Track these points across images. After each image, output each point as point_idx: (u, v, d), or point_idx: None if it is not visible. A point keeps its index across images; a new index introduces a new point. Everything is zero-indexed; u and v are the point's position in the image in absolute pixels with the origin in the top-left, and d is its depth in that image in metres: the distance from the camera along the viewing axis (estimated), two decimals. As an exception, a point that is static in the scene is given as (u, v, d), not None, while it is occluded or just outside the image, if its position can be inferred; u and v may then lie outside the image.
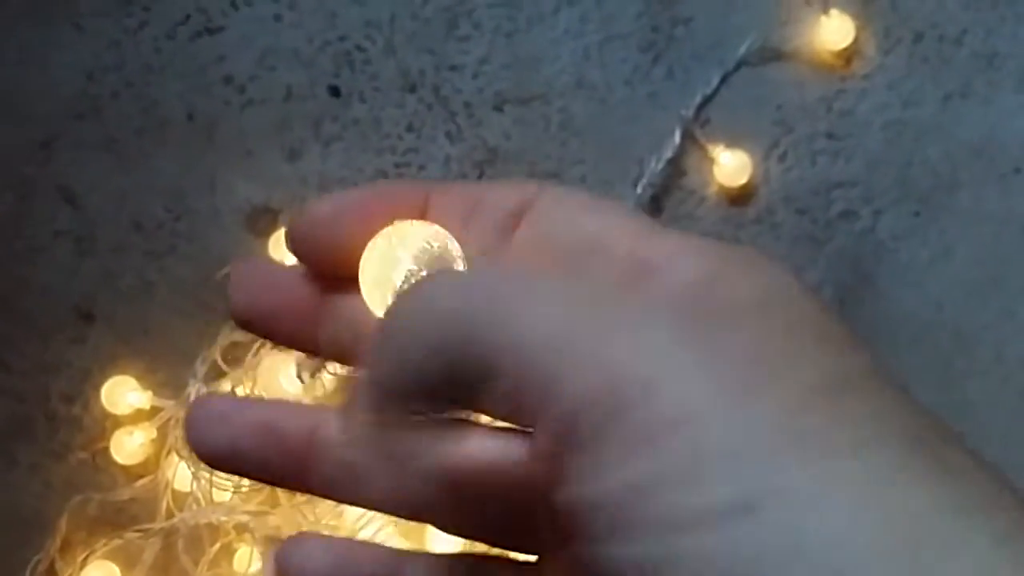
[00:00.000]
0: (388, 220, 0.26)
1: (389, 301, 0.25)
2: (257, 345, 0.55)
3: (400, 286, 0.25)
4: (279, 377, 0.51)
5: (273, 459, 0.26)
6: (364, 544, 0.27)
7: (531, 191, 0.26)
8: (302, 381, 0.49)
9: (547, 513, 0.21)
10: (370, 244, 0.25)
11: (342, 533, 0.53)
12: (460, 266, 0.25)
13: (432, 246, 0.25)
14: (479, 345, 0.21)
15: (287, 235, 0.27)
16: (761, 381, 0.19)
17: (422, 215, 0.26)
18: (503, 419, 0.22)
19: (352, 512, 0.53)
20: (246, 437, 0.26)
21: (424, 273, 0.25)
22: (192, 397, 0.55)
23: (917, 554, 0.17)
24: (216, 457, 0.26)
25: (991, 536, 0.18)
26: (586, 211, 0.25)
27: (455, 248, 0.25)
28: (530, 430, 0.21)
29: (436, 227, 0.25)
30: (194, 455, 0.27)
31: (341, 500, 0.27)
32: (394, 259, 0.25)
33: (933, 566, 0.17)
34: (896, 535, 0.18)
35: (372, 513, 0.53)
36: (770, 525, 0.18)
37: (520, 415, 0.21)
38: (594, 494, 0.19)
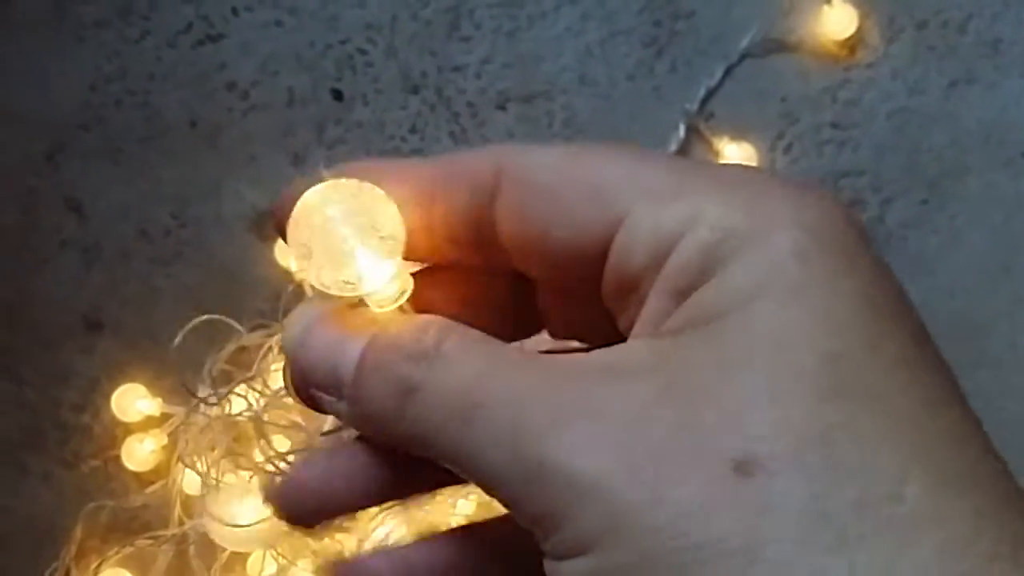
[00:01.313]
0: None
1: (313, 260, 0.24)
2: (265, 349, 0.55)
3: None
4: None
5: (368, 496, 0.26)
6: (425, 544, 0.26)
7: (486, 169, 0.24)
8: None
9: None
10: (299, 203, 0.24)
11: (355, 535, 0.52)
12: (395, 224, 0.24)
13: (361, 203, 0.24)
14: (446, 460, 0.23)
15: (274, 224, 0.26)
16: (665, 470, 0.20)
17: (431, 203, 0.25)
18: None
19: (365, 514, 0.53)
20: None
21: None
22: (202, 404, 0.55)
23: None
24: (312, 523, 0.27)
25: None
26: (560, 183, 0.23)
27: (388, 206, 0.24)
28: None
29: (366, 184, 0.24)
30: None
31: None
32: (324, 218, 0.24)
33: None
34: None
35: (385, 515, 0.52)
36: None
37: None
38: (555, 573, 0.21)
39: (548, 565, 0.21)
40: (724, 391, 0.20)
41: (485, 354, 0.22)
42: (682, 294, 0.22)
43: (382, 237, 0.24)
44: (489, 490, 0.22)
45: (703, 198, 0.22)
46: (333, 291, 0.24)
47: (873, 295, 0.21)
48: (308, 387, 0.24)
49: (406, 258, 0.25)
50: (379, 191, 0.24)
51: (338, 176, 0.24)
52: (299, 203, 0.24)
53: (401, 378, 0.22)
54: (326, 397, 0.24)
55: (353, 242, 0.24)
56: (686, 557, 0.19)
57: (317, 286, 0.24)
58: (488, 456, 0.21)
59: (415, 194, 0.25)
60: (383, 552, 0.27)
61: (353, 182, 0.24)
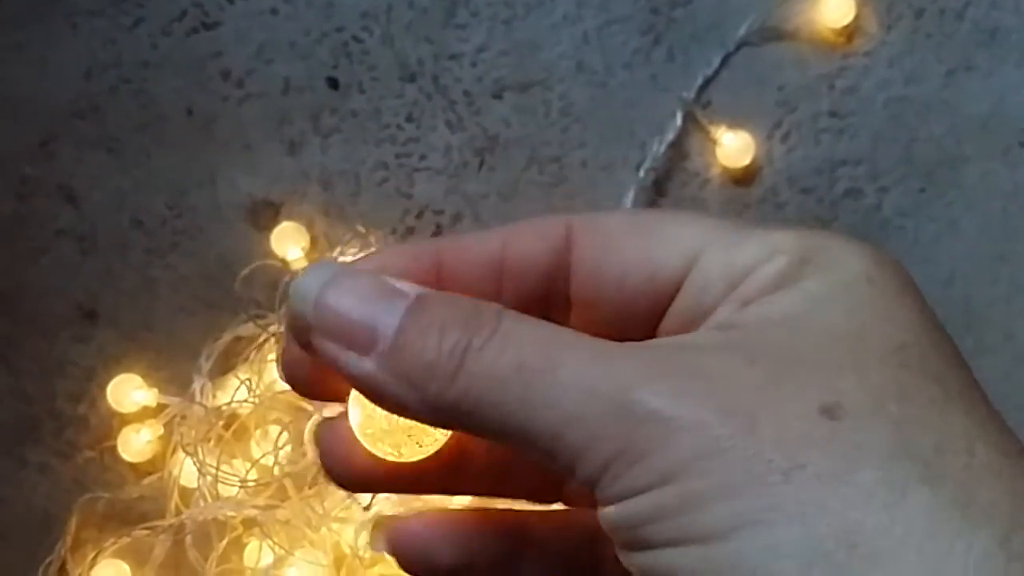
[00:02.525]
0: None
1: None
2: (262, 339, 0.55)
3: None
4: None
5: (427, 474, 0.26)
6: (478, 514, 0.27)
7: (558, 234, 0.26)
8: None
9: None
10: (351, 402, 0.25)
11: (352, 526, 0.52)
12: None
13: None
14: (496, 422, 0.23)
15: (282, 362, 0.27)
16: (750, 413, 0.21)
17: (439, 282, 0.25)
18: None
19: (361, 504, 0.53)
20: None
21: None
22: (198, 394, 0.55)
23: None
24: (366, 487, 0.28)
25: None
26: (639, 232, 0.25)
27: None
28: None
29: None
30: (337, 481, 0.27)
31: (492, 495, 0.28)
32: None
33: None
34: (873, 559, 0.19)
35: (382, 503, 0.52)
36: (757, 544, 0.20)
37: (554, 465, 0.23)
38: (606, 522, 0.22)
39: (617, 508, 0.21)
40: (809, 359, 0.22)
41: (552, 325, 0.23)
42: (748, 302, 0.23)
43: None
44: (549, 441, 0.22)
45: (777, 237, 0.24)
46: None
47: (926, 311, 0.24)
48: (325, 341, 0.23)
49: None
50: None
51: (399, 260, 0.25)
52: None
53: (460, 340, 0.22)
54: (346, 354, 0.23)
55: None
56: (778, 478, 0.20)
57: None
58: (565, 405, 0.21)
59: (481, 265, 0.25)
60: (438, 516, 0.27)
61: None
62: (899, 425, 0.21)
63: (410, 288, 0.23)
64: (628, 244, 0.25)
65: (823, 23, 0.61)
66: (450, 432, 0.25)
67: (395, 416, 0.24)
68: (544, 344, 0.22)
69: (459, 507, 0.28)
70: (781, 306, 0.23)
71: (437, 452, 0.25)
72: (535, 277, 0.26)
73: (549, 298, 0.26)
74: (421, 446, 0.25)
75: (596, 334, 0.25)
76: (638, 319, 0.25)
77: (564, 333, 0.23)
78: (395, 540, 0.27)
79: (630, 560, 0.22)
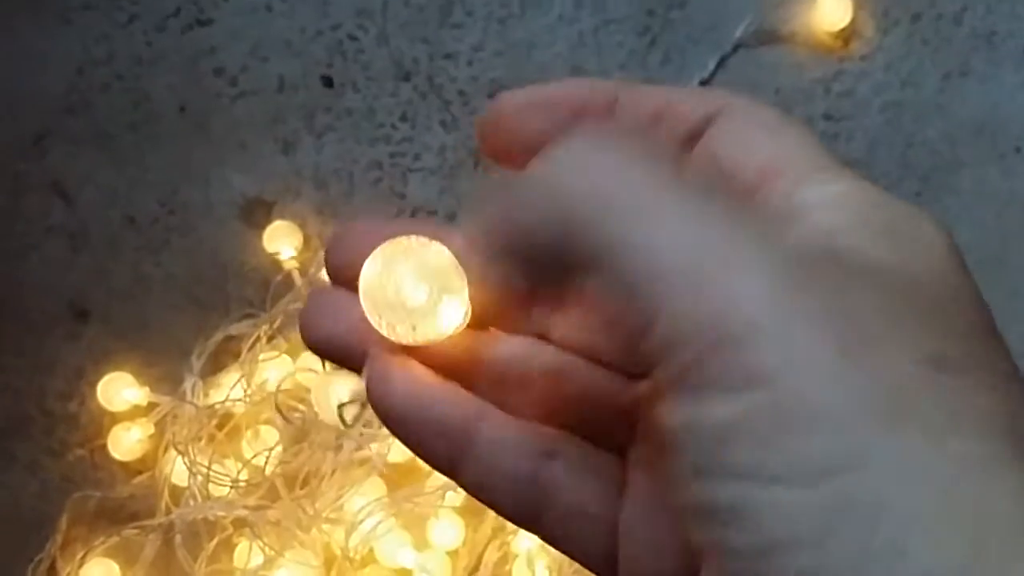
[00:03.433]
0: (574, 119, 0.25)
1: (387, 320, 0.24)
2: (253, 339, 0.54)
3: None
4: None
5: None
6: (445, 387, 0.25)
7: (717, 104, 0.25)
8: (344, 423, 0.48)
9: (645, 425, 0.23)
10: (370, 258, 0.25)
11: (342, 527, 0.52)
12: (461, 280, 0.24)
13: (432, 263, 0.25)
14: (591, 235, 0.21)
15: (478, 128, 0.26)
16: (864, 348, 0.19)
17: (609, 115, 0.26)
18: (591, 324, 0.23)
19: (353, 504, 0.53)
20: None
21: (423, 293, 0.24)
22: (189, 393, 0.54)
23: (987, 553, 0.18)
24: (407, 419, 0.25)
25: None
26: (765, 133, 0.25)
27: (455, 264, 0.24)
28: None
29: (436, 243, 0.25)
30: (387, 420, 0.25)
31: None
32: (394, 273, 0.24)
33: (1002, 566, 0.18)
34: (967, 535, 0.18)
35: (373, 505, 0.52)
36: (843, 496, 0.18)
37: (612, 325, 0.21)
38: (683, 428, 0.20)
39: (688, 410, 0.20)
40: (919, 308, 0.21)
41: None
42: (851, 248, 0.22)
43: (443, 290, 0.24)
44: (644, 284, 0.20)
45: (844, 183, 0.23)
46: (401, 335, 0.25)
47: (976, 287, 0.22)
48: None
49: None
50: (439, 248, 0.24)
51: (578, 89, 0.26)
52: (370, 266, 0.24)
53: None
54: None
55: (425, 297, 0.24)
56: (878, 426, 0.19)
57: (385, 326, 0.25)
58: (686, 256, 0.20)
59: (647, 112, 0.26)
60: (407, 372, 0.25)
61: (416, 240, 0.25)
62: (994, 390, 0.20)
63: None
64: (748, 136, 0.25)
65: (819, 26, 0.61)
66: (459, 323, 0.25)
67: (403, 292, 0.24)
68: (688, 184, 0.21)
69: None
70: (888, 259, 0.22)
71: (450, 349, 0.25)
72: (681, 136, 0.26)
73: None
74: (415, 329, 0.25)
75: None
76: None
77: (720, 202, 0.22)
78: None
79: (700, 490, 0.20)
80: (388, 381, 0.25)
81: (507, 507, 0.25)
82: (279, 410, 0.50)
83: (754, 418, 0.19)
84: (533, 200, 0.22)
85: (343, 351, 0.26)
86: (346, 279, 0.25)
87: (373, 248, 0.25)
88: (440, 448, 0.25)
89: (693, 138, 0.26)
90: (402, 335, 0.25)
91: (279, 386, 0.52)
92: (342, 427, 0.44)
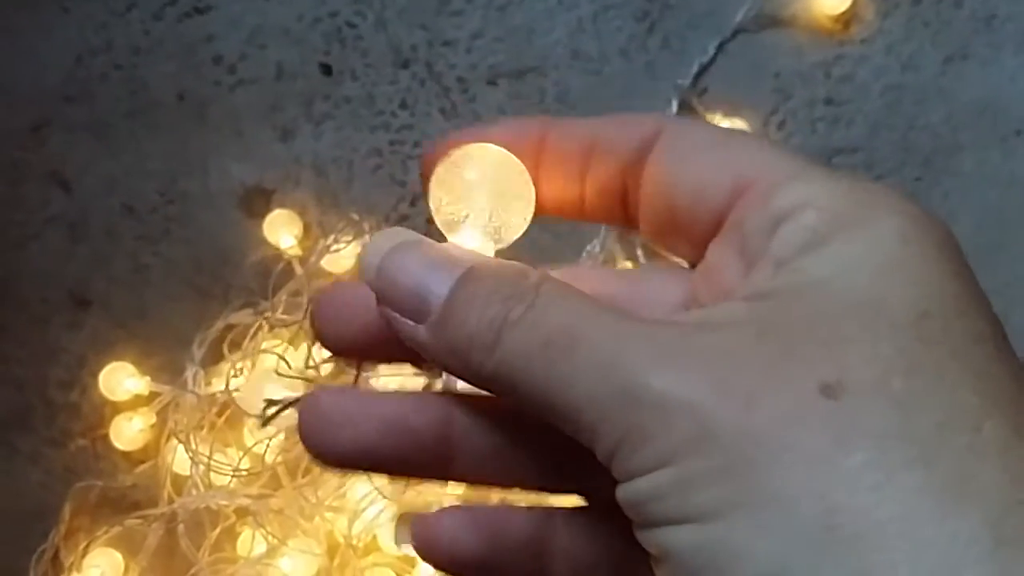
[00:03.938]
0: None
1: (454, 217, 0.26)
2: (255, 327, 0.54)
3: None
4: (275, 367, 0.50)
5: (410, 455, 0.26)
6: (503, 509, 0.27)
7: (648, 130, 0.26)
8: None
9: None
10: (438, 167, 0.26)
11: (345, 515, 0.52)
12: (528, 190, 0.26)
13: (500, 171, 0.26)
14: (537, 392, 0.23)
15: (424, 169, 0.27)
16: (756, 402, 0.21)
17: (539, 154, 0.27)
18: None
19: (355, 493, 0.53)
20: (375, 437, 0.25)
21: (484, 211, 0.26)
22: (190, 382, 0.54)
23: None
24: (343, 462, 0.26)
25: None
26: (716, 149, 0.25)
27: (523, 172, 0.26)
28: None
29: (503, 151, 0.26)
30: (317, 456, 0.26)
31: (487, 483, 0.27)
32: (464, 182, 0.26)
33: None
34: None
35: (376, 494, 0.52)
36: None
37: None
38: (625, 494, 0.22)
39: (627, 487, 0.22)
40: (820, 333, 0.21)
41: (583, 300, 0.23)
42: (782, 264, 0.23)
43: (496, 227, 0.26)
44: (570, 416, 0.22)
45: (815, 187, 0.24)
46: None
47: (962, 275, 0.23)
48: (386, 308, 0.24)
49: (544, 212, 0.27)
50: (523, 173, 0.26)
51: (506, 131, 0.26)
52: (451, 157, 0.26)
53: (499, 312, 0.23)
54: (403, 320, 0.24)
55: (470, 215, 0.26)
56: (768, 459, 0.20)
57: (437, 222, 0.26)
58: (581, 385, 0.22)
59: (577, 145, 0.26)
60: (463, 509, 0.27)
61: (510, 160, 0.26)
62: (901, 403, 0.20)
63: (465, 258, 0.24)
64: (700, 157, 0.25)
65: (820, 10, 0.61)
66: None
67: None
68: (570, 321, 0.23)
69: (487, 503, 0.27)
70: (809, 273, 0.22)
71: (422, 432, 0.26)
72: (617, 164, 0.26)
73: (626, 187, 0.27)
74: None
75: (654, 234, 0.27)
76: (690, 230, 0.26)
77: (591, 309, 0.23)
78: (421, 533, 0.26)
79: (639, 536, 0.22)
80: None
81: None
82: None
83: (662, 487, 0.21)
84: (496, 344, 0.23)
85: (358, 349, 0.27)
86: (336, 349, 0.27)
87: (357, 317, 0.26)
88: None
89: (628, 166, 0.26)
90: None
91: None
92: (261, 426, 0.44)
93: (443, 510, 0.27)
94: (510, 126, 0.27)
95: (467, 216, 0.26)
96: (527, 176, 0.26)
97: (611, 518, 0.24)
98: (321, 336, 0.27)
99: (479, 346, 0.23)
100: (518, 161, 0.26)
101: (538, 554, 0.27)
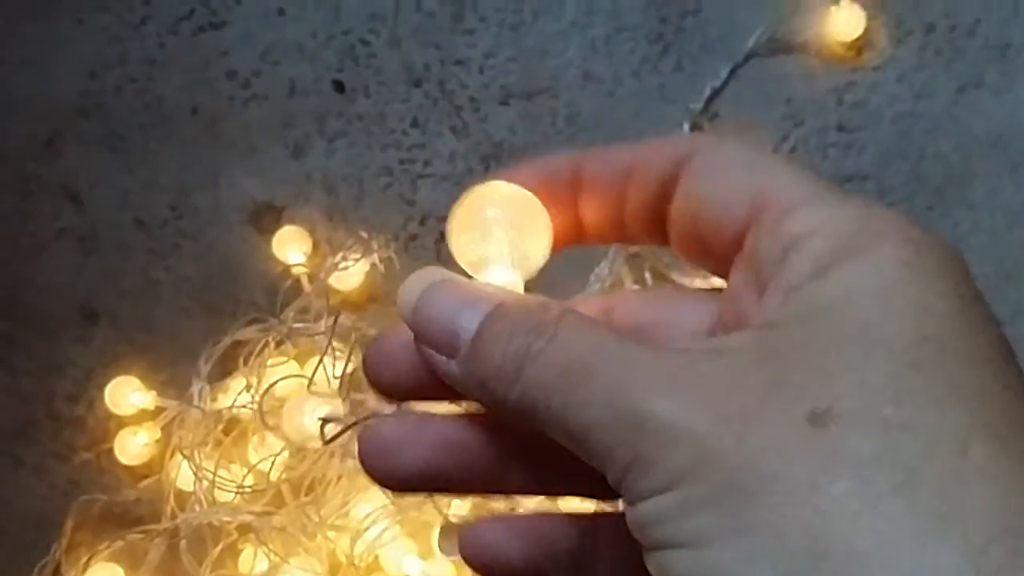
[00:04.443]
0: (543, 195, 0.27)
1: (474, 255, 0.27)
2: (261, 344, 0.54)
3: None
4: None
5: (467, 472, 0.27)
6: (546, 517, 0.28)
7: (683, 149, 0.27)
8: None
9: None
10: (454, 212, 0.27)
11: (347, 534, 0.52)
12: (544, 218, 0.27)
13: (514, 205, 0.27)
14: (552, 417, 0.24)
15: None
16: (751, 430, 0.21)
17: (576, 188, 0.28)
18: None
19: (358, 511, 0.53)
20: (433, 457, 0.27)
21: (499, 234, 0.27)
22: (196, 398, 0.54)
23: None
24: (404, 484, 0.27)
25: None
26: (742, 169, 0.26)
27: (536, 202, 0.27)
28: None
29: (513, 186, 0.27)
30: (378, 480, 0.27)
31: (542, 493, 0.28)
32: (484, 221, 0.27)
33: None
34: None
35: (378, 512, 0.52)
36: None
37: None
38: (632, 517, 0.23)
39: (633, 510, 0.23)
40: (816, 360, 0.22)
41: (600, 332, 0.24)
42: (790, 292, 0.24)
43: (519, 258, 0.27)
44: (584, 442, 0.23)
45: (823, 213, 0.24)
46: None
47: (965, 297, 0.23)
48: (422, 345, 0.26)
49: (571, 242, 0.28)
50: (535, 203, 0.27)
51: (534, 171, 0.27)
52: (465, 200, 0.27)
53: (522, 346, 0.24)
54: (438, 356, 0.26)
55: (495, 251, 0.27)
56: (757, 487, 0.21)
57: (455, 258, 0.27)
58: (593, 411, 0.23)
59: (613, 172, 0.27)
60: (509, 519, 0.28)
61: (521, 193, 0.27)
62: (888, 430, 0.20)
63: (493, 295, 0.26)
64: (725, 175, 0.26)
65: (832, 36, 0.61)
66: None
67: None
68: (586, 351, 0.24)
69: (529, 510, 0.28)
70: (813, 301, 0.23)
71: (476, 449, 0.27)
72: (654, 186, 0.27)
73: (663, 207, 0.28)
74: None
75: (684, 250, 0.28)
76: (714, 246, 0.27)
77: (607, 339, 0.24)
78: (466, 542, 0.27)
79: (645, 559, 0.23)
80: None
81: None
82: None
83: (663, 512, 0.22)
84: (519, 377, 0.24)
85: (408, 390, 0.28)
86: (388, 393, 0.28)
87: (404, 361, 0.27)
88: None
89: (665, 185, 0.27)
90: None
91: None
92: (320, 443, 0.44)
93: (489, 519, 0.28)
94: (538, 165, 0.28)
95: (492, 252, 0.27)
96: (540, 205, 0.27)
97: None
98: (373, 383, 0.28)
99: (503, 378, 0.24)
100: (529, 194, 0.27)
101: (583, 561, 0.28)
